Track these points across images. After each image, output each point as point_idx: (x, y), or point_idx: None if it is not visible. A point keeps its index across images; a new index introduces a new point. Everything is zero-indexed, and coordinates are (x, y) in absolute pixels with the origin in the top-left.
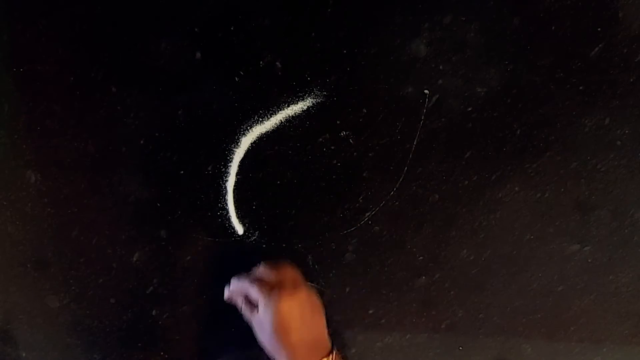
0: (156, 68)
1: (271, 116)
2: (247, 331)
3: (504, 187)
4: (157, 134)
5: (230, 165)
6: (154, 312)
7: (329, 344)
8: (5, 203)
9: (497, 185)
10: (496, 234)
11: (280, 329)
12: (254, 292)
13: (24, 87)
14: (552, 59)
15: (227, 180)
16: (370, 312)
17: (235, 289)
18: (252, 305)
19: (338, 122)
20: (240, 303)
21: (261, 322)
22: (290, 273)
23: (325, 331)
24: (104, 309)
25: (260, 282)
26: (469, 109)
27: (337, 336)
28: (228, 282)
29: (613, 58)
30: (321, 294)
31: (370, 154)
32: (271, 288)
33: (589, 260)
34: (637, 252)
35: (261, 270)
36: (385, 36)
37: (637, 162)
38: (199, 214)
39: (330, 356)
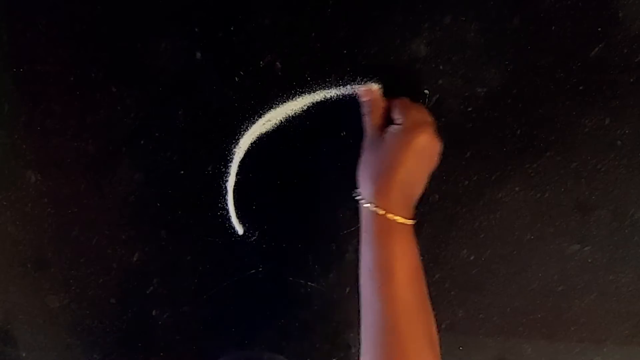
0: (156, 68)
1: (271, 116)
2: (247, 331)
3: (504, 187)
4: (157, 134)
5: (230, 165)
6: (154, 312)
7: (413, 212)
8: (5, 203)
9: (497, 185)
10: (496, 234)
11: (405, 159)
12: (404, 111)
13: (24, 87)
14: (552, 59)
15: (227, 180)
16: None
17: (377, 93)
18: (383, 118)
19: (338, 122)
20: (373, 107)
21: (388, 139)
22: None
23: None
24: (104, 309)
25: (412, 107)
26: (469, 109)
27: (337, 336)
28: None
29: (613, 58)
30: (321, 294)
31: None
32: (421, 120)
33: (589, 260)
34: (637, 252)
35: (414, 102)
36: (385, 36)
37: (637, 162)
38: (199, 214)
39: (413, 221)
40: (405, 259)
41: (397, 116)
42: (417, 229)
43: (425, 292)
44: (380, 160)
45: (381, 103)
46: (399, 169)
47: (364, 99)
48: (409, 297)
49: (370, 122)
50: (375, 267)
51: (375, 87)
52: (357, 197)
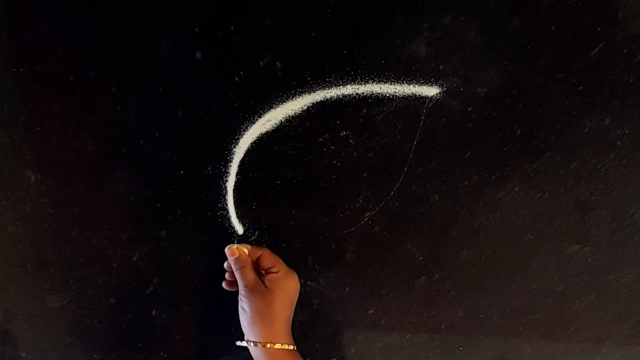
0: (156, 68)
1: (271, 116)
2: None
3: (504, 187)
4: (157, 134)
5: (230, 165)
6: (154, 312)
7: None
8: (5, 203)
9: (497, 185)
10: (496, 234)
11: (291, 300)
12: (276, 261)
13: (24, 87)
14: (552, 59)
15: (227, 180)
16: (370, 312)
17: (245, 253)
18: (254, 275)
19: (338, 122)
20: (244, 263)
21: (274, 287)
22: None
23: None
24: (104, 309)
25: (277, 258)
26: (469, 109)
27: (337, 336)
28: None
29: (613, 58)
30: (321, 294)
31: (370, 154)
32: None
33: (589, 260)
34: (637, 252)
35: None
36: (385, 36)
37: (637, 162)
38: (199, 214)
39: (289, 345)
40: None
41: (270, 265)
42: (417, 229)
43: None
44: (268, 305)
45: (248, 258)
46: (284, 309)
47: (232, 257)
48: None
49: (245, 275)
50: None
51: (239, 246)
52: (249, 344)
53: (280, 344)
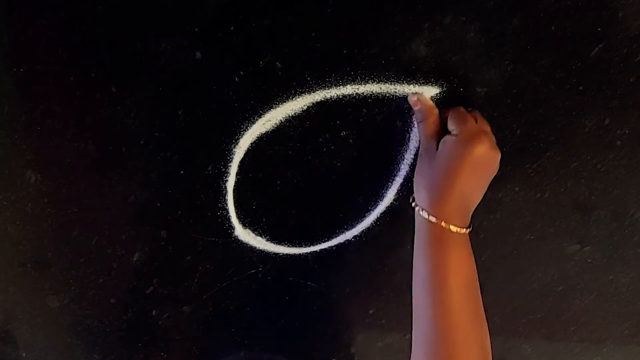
0: (156, 68)
1: (271, 116)
2: (247, 331)
3: (504, 187)
4: (157, 134)
5: (230, 165)
6: (154, 312)
7: (469, 220)
8: (5, 203)
9: (497, 185)
10: (496, 234)
11: (461, 170)
12: (459, 121)
13: (24, 87)
14: (552, 59)
15: (227, 180)
16: (370, 312)
17: (431, 102)
18: (437, 129)
19: (338, 122)
20: (429, 116)
21: (443, 150)
22: (492, 133)
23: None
24: (104, 309)
25: (468, 118)
26: (469, 109)
27: (337, 336)
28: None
29: (613, 58)
30: (321, 294)
31: (370, 154)
32: (478, 130)
33: (589, 260)
34: (637, 252)
35: (471, 112)
36: (385, 36)
37: (637, 162)
38: (199, 214)
39: (468, 229)
40: (460, 268)
41: (452, 127)
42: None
43: (480, 302)
44: (436, 170)
45: (434, 111)
46: (455, 181)
47: (416, 107)
48: (462, 307)
49: (423, 131)
50: (429, 276)
51: (427, 95)
52: (413, 204)
53: (434, 218)
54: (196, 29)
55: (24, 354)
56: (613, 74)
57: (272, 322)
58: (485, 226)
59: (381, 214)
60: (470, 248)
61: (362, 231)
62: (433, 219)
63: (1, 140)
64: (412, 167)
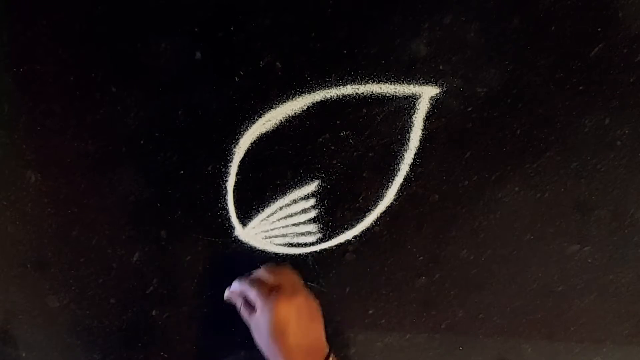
0: (156, 68)
1: (271, 116)
2: (247, 331)
3: (504, 187)
4: (157, 134)
5: (230, 165)
6: (154, 312)
7: (326, 349)
8: (5, 203)
9: (497, 185)
10: (496, 234)
11: (277, 332)
12: (253, 294)
13: (24, 87)
14: (552, 59)
15: (227, 180)
16: (370, 312)
17: (235, 290)
18: (251, 306)
19: (338, 122)
20: (239, 304)
21: (258, 324)
22: (289, 277)
23: (323, 335)
24: (104, 309)
25: (259, 283)
26: (469, 109)
27: (337, 336)
28: (228, 282)
29: (613, 58)
30: (321, 294)
31: (370, 154)
32: (270, 290)
33: (589, 260)
34: (637, 252)
35: (261, 272)
36: (385, 36)
37: (637, 162)
38: (199, 214)
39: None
40: None
41: (251, 300)
42: (417, 229)
43: None
44: (265, 343)
45: (241, 297)
46: (281, 344)
47: (225, 298)
48: None
49: (245, 315)
50: None
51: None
52: None
53: None
54: (196, 29)
55: (24, 354)
56: (613, 74)
57: None
58: (485, 226)
59: (381, 214)
60: None
61: (362, 231)
62: None
63: (1, 140)
64: (412, 167)
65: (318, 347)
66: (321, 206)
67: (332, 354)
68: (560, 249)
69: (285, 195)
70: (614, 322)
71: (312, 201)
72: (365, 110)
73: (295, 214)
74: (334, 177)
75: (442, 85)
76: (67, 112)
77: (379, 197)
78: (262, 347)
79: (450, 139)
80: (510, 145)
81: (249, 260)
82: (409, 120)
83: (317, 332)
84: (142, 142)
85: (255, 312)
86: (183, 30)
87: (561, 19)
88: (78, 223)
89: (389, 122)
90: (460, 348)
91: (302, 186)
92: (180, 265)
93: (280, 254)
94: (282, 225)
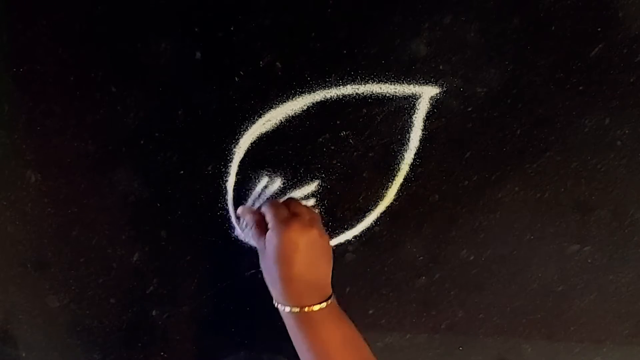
0: (156, 68)
1: (271, 116)
2: (247, 331)
3: (504, 187)
4: (157, 134)
5: (230, 165)
6: (154, 312)
7: (328, 290)
8: (5, 203)
9: (497, 185)
10: (496, 234)
11: (283, 256)
12: (270, 214)
13: (24, 87)
14: (552, 59)
15: (227, 180)
16: (370, 312)
17: (250, 209)
18: (263, 228)
19: (338, 122)
20: (252, 222)
21: (268, 245)
22: (310, 211)
23: (329, 277)
24: (104, 309)
25: (278, 206)
26: (469, 109)
27: None
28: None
29: (613, 58)
30: None
31: (370, 154)
32: (287, 216)
33: (589, 260)
34: (637, 252)
35: (287, 200)
36: (385, 36)
37: (637, 162)
38: (199, 214)
39: (326, 302)
40: (334, 338)
41: (267, 221)
42: (417, 229)
43: (366, 352)
44: (269, 266)
45: (256, 215)
46: (284, 270)
47: (241, 217)
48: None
49: (254, 235)
50: (312, 356)
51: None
52: (276, 305)
53: (289, 308)
54: (196, 29)
55: (24, 354)
56: (613, 74)
57: (272, 322)
58: (485, 226)
59: (381, 214)
60: (338, 311)
61: (362, 231)
62: (288, 309)
63: (1, 140)
64: (412, 167)
65: (321, 285)
66: (321, 206)
67: (332, 298)
68: (560, 249)
69: (285, 195)
70: (614, 322)
71: (312, 201)
72: (365, 110)
73: None
74: (334, 177)
75: (442, 85)
76: (67, 112)
77: (379, 197)
78: (264, 270)
79: (450, 139)
80: (510, 145)
81: (249, 260)
82: (409, 120)
83: (323, 271)
84: (142, 142)
85: (270, 228)
86: (183, 30)
87: (561, 19)
88: (78, 223)
89: (389, 122)
90: (460, 348)
91: (302, 186)
92: (180, 265)
93: None
94: None
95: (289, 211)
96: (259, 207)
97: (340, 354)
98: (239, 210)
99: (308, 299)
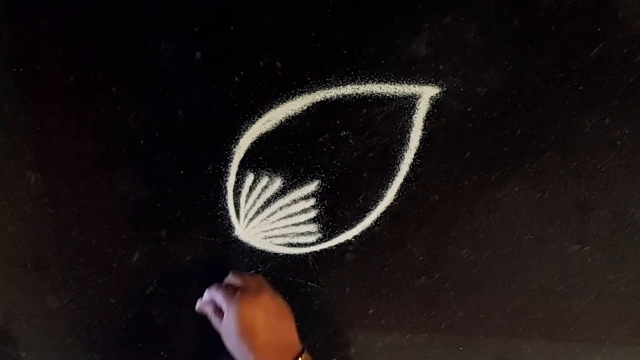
0: (156, 68)
1: (271, 116)
2: None
3: (504, 187)
4: (157, 134)
5: (230, 165)
6: (154, 312)
7: (298, 347)
8: (5, 203)
9: (497, 185)
10: (496, 234)
11: (245, 331)
12: (219, 298)
13: (24, 87)
14: (552, 59)
15: (227, 180)
16: (370, 312)
17: (206, 299)
18: (221, 312)
19: (338, 122)
20: (209, 312)
21: (227, 326)
22: (255, 278)
23: (294, 334)
24: (104, 309)
25: (225, 287)
26: (469, 109)
27: (337, 336)
28: None
29: (613, 58)
30: (321, 294)
31: (370, 154)
32: (235, 292)
33: (589, 260)
34: (637, 252)
35: (228, 277)
36: (385, 36)
37: (637, 162)
38: (199, 214)
39: (299, 358)
40: None
41: (219, 304)
42: (417, 229)
43: None
44: (236, 345)
45: (211, 304)
46: (250, 343)
47: (196, 309)
48: None
49: (217, 323)
50: None
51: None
52: None
53: None
54: (196, 29)
55: (24, 354)
56: (613, 74)
57: None
58: (485, 226)
59: (381, 214)
60: None
61: (362, 231)
62: None
63: (1, 140)
64: (412, 167)
65: (288, 345)
66: (321, 206)
67: (304, 352)
68: (560, 249)
69: (285, 195)
70: (614, 322)
71: (312, 201)
72: (365, 110)
73: (295, 214)
74: (334, 177)
75: (442, 85)
76: (67, 112)
77: (379, 197)
78: (232, 350)
79: (450, 139)
80: (510, 145)
81: (249, 260)
82: (409, 120)
83: (286, 330)
84: (142, 142)
85: (223, 317)
86: (183, 30)
87: (561, 19)
88: (78, 223)
89: (389, 122)
90: (460, 348)
91: (302, 186)
92: (180, 265)
93: (280, 254)
94: (282, 225)
95: (233, 287)
96: (210, 293)
97: None
98: (198, 305)
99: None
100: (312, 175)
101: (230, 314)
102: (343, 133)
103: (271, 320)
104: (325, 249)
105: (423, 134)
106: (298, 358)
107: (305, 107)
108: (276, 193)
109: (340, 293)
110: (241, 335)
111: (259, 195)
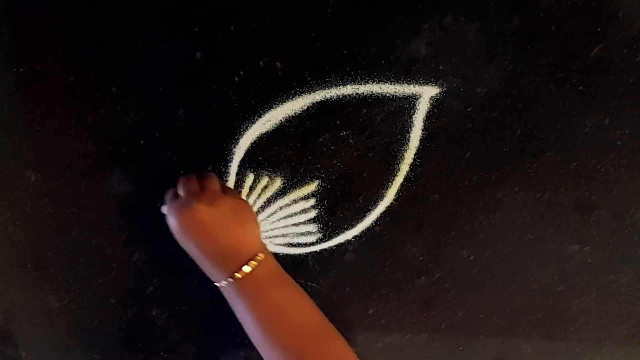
0: (156, 68)
1: (271, 116)
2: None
3: (504, 187)
4: (157, 134)
5: (230, 165)
6: (154, 312)
7: (254, 249)
8: (5, 203)
9: (497, 185)
10: (496, 234)
11: (183, 237)
12: (179, 189)
13: (24, 87)
14: (552, 59)
15: (227, 180)
16: (370, 312)
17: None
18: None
19: (338, 122)
20: (167, 197)
21: (168, 220)
22: (213, 184)
23: (249, 236)
24: (104, 309)
25: (187, 181)
26: (469, 109)
27: None
28: None
29: (613, 58)
30: (321, 294)
31: (370, 154)
32: (190, 192)
33: (589, 260)
34: (637, 252)
35: (205, 175)
36: (385, 36)
37: (637, 162)
38: None
39: (256, 260)
40: (280, 298)
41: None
42: (417, 229)
43: (316, 312)
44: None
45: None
46: (190, 250)
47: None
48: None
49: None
50: (259, 324)
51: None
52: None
53: (219, 283)
54: (196, 29)
55: (24, 354)
56: (613, 74)
57: None
58: (485, 226)
59: (381, 214)
60: (280, 273)
61: (362, 231)
62: (219, 284)
63: (1, 140)
64: (412, 167)
65: (245, 243)
66: (321, 206)
67: (268, 258)
68: (560, 249)
69: (285, 195)
70: (614, 322)
71: (312, 201)
72: (365, 110)
73: (295, 214)
74: (334, 177)
75: (442, 85)
76: (67, 112)
77: (379, 197)
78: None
79: (450, 139)
80: (510, 145)
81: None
82: (409, 120)
83: (238, 235)
84: (142, 142)
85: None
86: (183, 30)
87: (561, 19)
88: (78, 223)
89: (389, 122)
90: (460, 348)
91: (302, 186)
92: (180, 265)
93: (280, 254)
94: (282, 225)
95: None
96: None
97: (289, 315)
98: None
99: (230, 268)
100: (312, 175)
101: (170, 215)
102: (343, 133)
103: (216, 224)
104: (325, 249)
105: (423, 134)
106: (254, 258)
107: (305, 107)
108: (276, 193)
109: (340, 293)
110: (180, 234)
111: (259, 195)
